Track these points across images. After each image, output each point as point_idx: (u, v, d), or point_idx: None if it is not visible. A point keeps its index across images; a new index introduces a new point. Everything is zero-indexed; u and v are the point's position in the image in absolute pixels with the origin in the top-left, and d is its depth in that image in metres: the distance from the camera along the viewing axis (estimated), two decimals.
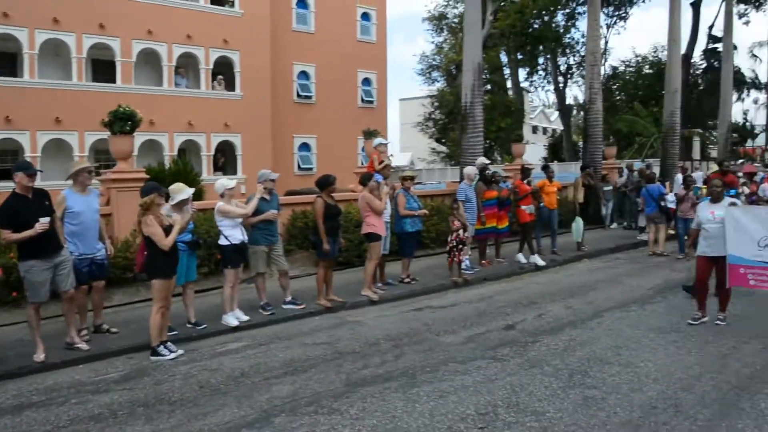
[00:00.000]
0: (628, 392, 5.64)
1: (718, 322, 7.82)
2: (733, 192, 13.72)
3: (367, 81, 30.36)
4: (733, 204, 7.90)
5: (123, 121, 10.20)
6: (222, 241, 8.26)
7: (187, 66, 24.31)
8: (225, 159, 25.45)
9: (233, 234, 8.21)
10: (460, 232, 10.62)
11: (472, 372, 6.31)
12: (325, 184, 9.14)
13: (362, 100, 30.13)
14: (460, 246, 10.65)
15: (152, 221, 6.85)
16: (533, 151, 42.21)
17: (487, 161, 13.15)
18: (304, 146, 28.24)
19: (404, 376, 6.27)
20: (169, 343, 7.24)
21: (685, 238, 11.07)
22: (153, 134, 22.46)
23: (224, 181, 8.45)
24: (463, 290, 10.58)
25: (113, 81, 22.16)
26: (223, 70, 24.80)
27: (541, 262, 12.31)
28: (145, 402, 5.78)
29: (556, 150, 44.78)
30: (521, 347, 7.13)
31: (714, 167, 17.11)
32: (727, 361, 6.46)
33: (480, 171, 12.21)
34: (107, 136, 10.72)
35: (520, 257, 12.47)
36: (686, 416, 5.09)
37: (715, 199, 7.94)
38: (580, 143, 29.87)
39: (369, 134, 14.73)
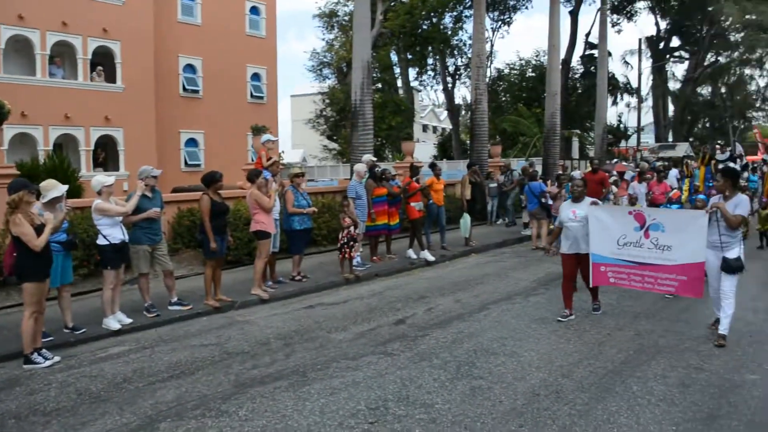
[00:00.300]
0: (513, 381, 5.86)
1: (594, 312, 8.26)
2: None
3: (256, 76, 29.80)
4: (594, 203, 8.04)
5: None
6: (100, 241, 7.84)
7: (63, 55, 22.89)
8: (106, 154, 24.19)
9: (112, 233, 7.82)
10: (351, 228, 10.66)
11: (362, 368, 6.34)
12: (212, 180, 8.89)
13: (252, 95, 29.55)
14: (351, 243, 10.69)
15: (21, 220, 6.39)
16: (423, 150, 43.08)
17: (374, 159, 13.31)
18: (192, 142, 27.34)
19: (295, 374, 6.21)
20: (43, 350, 6.79)
21: None
22: (25, 127, 20.99)
23: (101, 178, 8.03)
24: (355, 287, 10.63)
25: None
26: (103, 61, 23.54)
27: (430, 258, 12.56)
28: (17, 414, 5.39)
29: (446, 148, 45.91)
30: (411, 341, 7.24)
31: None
32: (603, 348, 6.86)
33: (369, 168, 12.30)
34: None
35: (411, 253, 12.68)
36: (566, 401, 5.35)
37: (577, 198, 8.06)
38: (468, 142, 30.77)
39: (257, 130, 14.47)
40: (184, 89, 26.89)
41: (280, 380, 6.04)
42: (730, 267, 6.78)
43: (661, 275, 7.36)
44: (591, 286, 8.05)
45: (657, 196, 12.40)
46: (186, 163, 26.90)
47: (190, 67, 27.14)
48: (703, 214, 6.96)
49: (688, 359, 6.45)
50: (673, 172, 18.32)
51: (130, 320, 8.08)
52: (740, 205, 6.80)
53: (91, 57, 22.97)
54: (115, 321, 7.90)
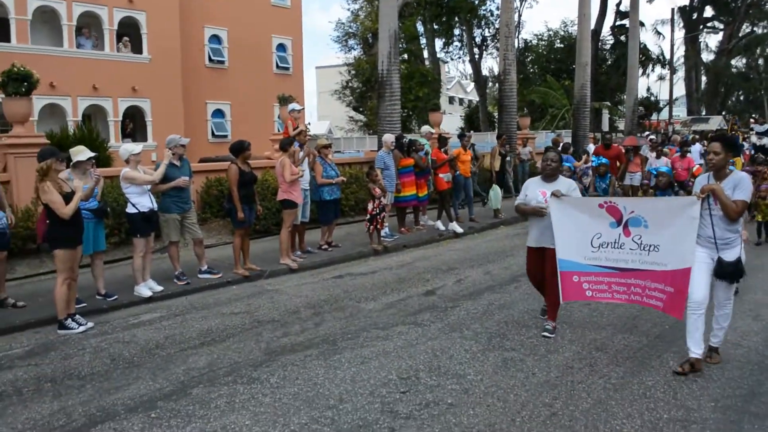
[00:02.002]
0: (546, 353, 5.77)
1: (545, 333, 6.24)
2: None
3: (282, 47, 29.63)
4: (557, 194, 6.01)
5: (17, 82, 9.56)
6: (129, 209, 7.86)
7: (90, 26, 22.93)
8: (134, 125, 24.33)
9: (141, 201, 7.83)
10: (382, 198, 10.58)
11: (393, 338, 6.30)
12: (240, 149, 8.85)
13: (277, 66, 29.41)
14: (382, 213, 10.62)
15: (50, 188, 6.41)
16: (450, 121, 42.72)
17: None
18: (218, 113, 27.38)
19: (325, 343, 6.19)
20: (77, 316, 6.87)
21: None
22: (54, 98, 21.18)
23: (129, 146, 8.05)
24: (383, 257, 10.58)
25: (7, 40, 20.61)
26: (129, 32, 23.54)
27: (459, 230, 12.46)
28: (53, 377, 5.45)
29: (473, 120, 45.43)
30: (441, 312, 7.18)
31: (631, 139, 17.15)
32: (638, 321, 6.72)
33: (396, 139, 12.18)
34: (1, 99, 9.98)
35: (439, 224, 12.59)
36: (601, 375, 5.25)
37: (549, 176, 6.27)
38: (496, 114, 30.38)
39: (284, 100, 14.38)
40: (210, 60, 26.86)
41: (311, 349, 6.03)
42: (726, 273, 5.20)
43: (650, 284, 5.65)
44: (562, 301, 6.14)
45: (680, 173, 11.79)
46: (213, 134, 26.98)
47: (215, 38, 27.07)
48: (694, 200, 5.25)
49: (726, 335, 6.29)
50: (697, 147, 17.34)
51: (161, 288, 8.13)
52: (740, 185, 5.10)
53: (117, 28, 22.98)
54: (146, 288, 7.96)
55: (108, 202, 8.51)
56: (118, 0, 22.62)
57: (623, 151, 14.32)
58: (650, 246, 5.63)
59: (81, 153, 7.02)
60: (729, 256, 5.20)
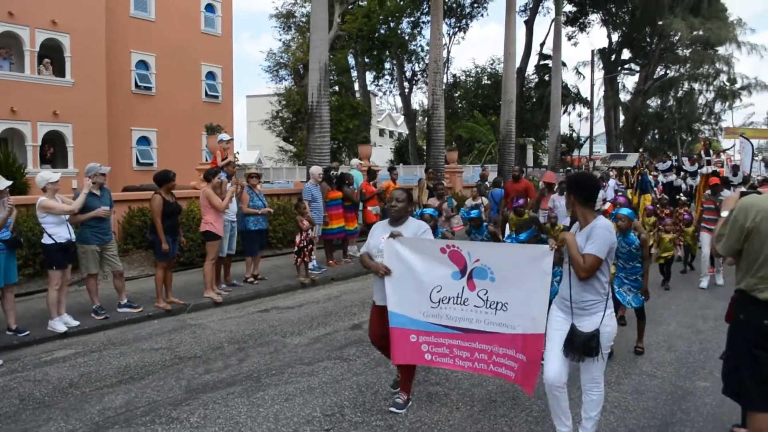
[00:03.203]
0: (469, 387, 5.84)
1: (392, 408, 5.26)
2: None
3: (211, 75, 29.34)
4: (394, 234, 5.06)
5: None
6: (45, 240, 7.56)
7: (9, 47, 22.10)
8: (54, 150, 23.44)
9: (58, 232, 7.54)
10: (309, 231, 10.53)
11: (318, 373, 6.24)
12: (164, 179, 8.66)
13: (206, 94, 29.08)
14: (309, 246, 10.56)
15: None
16: (380, 154, 43.15)
17: (335, 164, 13.37)
18: (144, 140, 26.72)
19: (249, 379, 6.07)
20: None
21: None
22: None
23: (46, 174, 7.73)
24: (311, 290, 10.51)
25: None
26: (52, 54, 22.81)
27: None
28: None
29: (402, 153, 46.01)
30: (367, 346, 7.14)
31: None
32: None
33: (324, 171, 12.20)
34: None
35: None
36: (522, 408, 5.35)
37: (396, 219, 5.27)
38: (425, 147, 30.90)
39: (212, 129, 14.26)
40: (137, 86, 26.29)
41: (234, 386, 5.89)
42: (575, 346, 4.17)
43: (498, 349, 4.75)
44: (394, 363, 5.28)
45: None
46: (138, 161, 26.28)
47: (143, 63, 26.55)
48: (546, 251, 4.47)
49: (641, 366, 6.54)
50: (612, 183, 16.73)
51: (77, 322, 7.80)
52: (593, 236, 4.12)
53: (39, 50, 22.23)
54: (61, 323, 7.62)
55: (22, 232, 8.14)
56: (41, 21, 21.90)
57: (533, 186, 13.56)
58: (497, 304, 4.72)
59: None
60: (585, 325, 4.18)
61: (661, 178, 18.20)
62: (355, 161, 14.69)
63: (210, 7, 29.17)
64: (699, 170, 17.61)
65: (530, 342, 4.55)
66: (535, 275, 4.51)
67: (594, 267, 4.08)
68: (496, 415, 5.21)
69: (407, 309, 4.98)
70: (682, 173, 18.12)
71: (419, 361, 5.05)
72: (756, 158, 34.87)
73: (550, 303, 4.57)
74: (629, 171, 17.25)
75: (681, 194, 14.90)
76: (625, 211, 7.10)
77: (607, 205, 10.08)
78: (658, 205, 12.40)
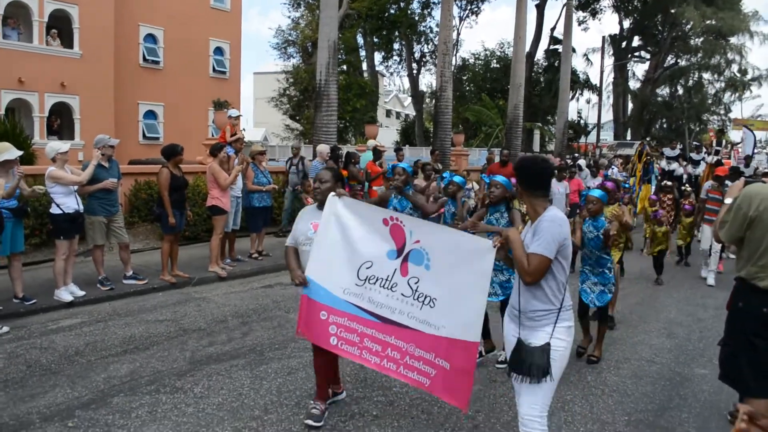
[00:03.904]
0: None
1: (308, 421, 4.53)
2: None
3: (219, 50, 29.20)
4: (339, 193, 4.49)
5: None
6: (54, 210, 7.59)
7: (17, 17, 22.04)
8: (61, 122, 23.45)
9: (66, 202, 7.58)
10: None
11: None
12: (172, 153, 8.68)
13: (214, 69, 28.95)
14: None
15: None
16: (386, 135, 43.05)
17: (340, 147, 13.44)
18: (150, 114, 26.69)
19: (252, 353, 6.14)
20: None
21: None
22: None
23: (56, 145, 7.75)
24: None
25: None
26: (60, 25, 22.74)
27: None
28: None
29: (408, 135, 45.89)
30: None
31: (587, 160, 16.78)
32: None
33: (331, 150, 12.22)
34: None
35: None
36: None
37: (322, 202, 4.53)
38: (431, 129, 30.82)
39: (220, 105, 14.21)
40: (144, 59, 26.19)
41: (237, 359, 5.97)
42: (520, 361, 3.46)
43: (414, 350, 4.11)
44: (297, 332, 4.57)
45: (571, 195, 11.22)
46: (144, 135, 26.28)
47: (151, 37, 26.42)
48: (489, 247, 3.79)
49: (640, 352, 6.60)
50: (614, 170, 17.06)
51: (83, 293, 7.87)
52: (539, 231, 3.42)
53: (48, 20, 22.17)
54: (67, 293, 7.69)
55: (29, 201, 8.20)
56: None
57: None
58: (425, 297, 4.08)
59: (8, 151, 6.75)
60: (533, 338, 3.47)
61: (664, 164, 18.03)
62: (371, 142, 14.73)
63: None
64: (703, 159, 17.53)
65: (457, 349, 3.92)
66: (472, 272, 3.87)
67: (540, 269, 3.36)
68: (496, 394, 5.29)
69: (327, 281, 4.35)
70: (685, 163, 17.95)
71: (322, 343, 4.34)
72: (758, 150, 34.75)
73: None
74: (635, 158, 17.07)
75: (685, 184, 14.66)
76: (595, 192, 6.40)
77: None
78: (660, 192, 12.23)
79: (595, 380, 5.70)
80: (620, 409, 5.10)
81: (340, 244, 4.35)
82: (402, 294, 4.15)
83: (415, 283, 4.12)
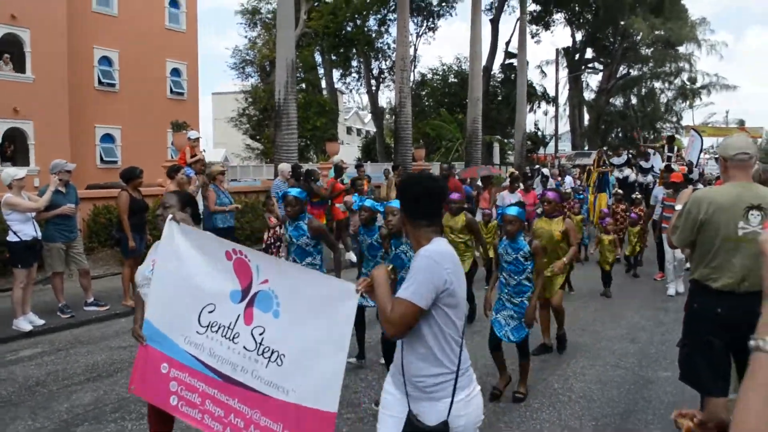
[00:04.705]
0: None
1: None
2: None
3: (176, 71, 29.03)
4: (179, 219, 3.65)
5: None
6: (10, 237, 7.45)
7: None
8: (15, 148, 22.98)
9: (23, 229, 7.45)
10: (277, 228, 10.53)
11: None
12: (131, 176, 8.61)
13: (171, 91, 28.76)
14: (277, 243, 10.56)
15: None
16: (348, 151, 43.14)
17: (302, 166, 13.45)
18: (108, 137, 26.34)
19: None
20: None
21: None
22: None
23: (12, 171, 7.66)
24: None
25: None
26: (12, 49, 22.33)
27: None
28: None
29: (370, 151, 46.04)
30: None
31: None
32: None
33: (293, 169, 12.23)
34: None
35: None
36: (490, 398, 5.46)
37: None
38: (392, 145, 31.02)
39: (178, 127, 14.11)
40: (100, 82, 25.89)
41: None
42: None
43: (259, 419, 3.15)
44: (129, 389, 3.86)
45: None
46: (102, 159, 25.91)
47: (106, 59, 26.16)
48: (351, 293, 2.93)
49: (605, 357, 6.72)
50: (568, 180, 17.00)
51: (42, 321, 7.72)
52: (410, 272, 2.66)
53: None
54: (26, 322, 7.52)
55: None
56: None
57: (461, 185, 12.38)
58: (272, 353, 3.16)
59: None
60: (426, 413, 2.65)
61: (616, 173, 18.03)
62: (336, 158, 14.77)
63: (174, 3, 28.84)
64: (652, 168, 17.46)
65: (308, 419, 3.00)
66: (329, 323, 3.00)
67: (405, 320, 2.56)
68: None
69: (166, 326, 3.52)
70: (635, 169, 17.80)
71: (161, 404, 3.50)
72: (709, 156, 35.70)
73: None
74: (590, 168, 17.13)
75: (635, 192, 14.47)
76: (512, 210, 5.56)
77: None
78: (613, 201, 12.33)
79: (561, 387, 5.79)
80: (587, 414, 5.19)
81: (181, 280, 3.50)
82: (244, 347, 3.23)
83: (260, 334, 3.21)
